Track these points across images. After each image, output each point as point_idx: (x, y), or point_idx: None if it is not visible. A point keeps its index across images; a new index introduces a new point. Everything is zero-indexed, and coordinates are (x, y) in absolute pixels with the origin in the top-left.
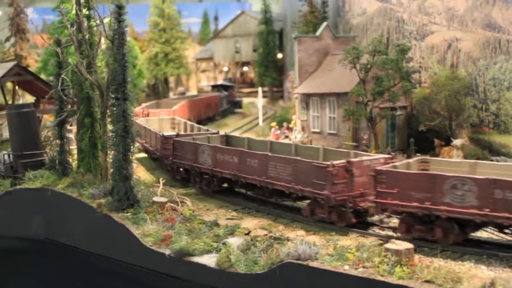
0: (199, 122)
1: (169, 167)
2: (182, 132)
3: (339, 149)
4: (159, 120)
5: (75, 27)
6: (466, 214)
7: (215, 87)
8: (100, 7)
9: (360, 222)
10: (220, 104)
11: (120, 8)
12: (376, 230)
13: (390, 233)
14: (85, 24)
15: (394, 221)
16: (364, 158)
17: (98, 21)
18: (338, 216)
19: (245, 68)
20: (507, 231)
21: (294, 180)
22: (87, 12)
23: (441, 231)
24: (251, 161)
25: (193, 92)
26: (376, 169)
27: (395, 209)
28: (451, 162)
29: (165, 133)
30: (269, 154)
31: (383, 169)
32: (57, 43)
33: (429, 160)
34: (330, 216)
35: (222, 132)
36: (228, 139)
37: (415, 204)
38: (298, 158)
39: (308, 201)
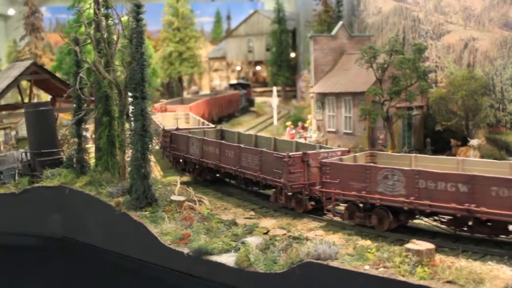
0: (220, 119)
1: (170, 158)
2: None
3: (310, 143)
4: (174, 115)
5: (93, 25)
6: (396, 202)
7: (233, 85)
8: (117, 6)
9: (317, 209)
10: (240, 102)
11: (138, 7)
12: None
13: (338, 219)
14: (104, 23)
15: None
16: (321, 150)
17: (116, 20)
18: (296, 202)
19: (258, 68)
20: (436, 217)
21: (260, 169)
22: (105, 11)
23: (376, 218)
24: (228, 152)
25: (205, 91)
26: (321, 161)
27: (338, 197)
28: (394, 155)
29: (166, 127)
30: (242, 145)
31: (327, 161)
32: (75, 42)
33: (376, 154)
34: (289, 203)
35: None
36: (222, 133)
37: (353, 193)
38: (264, 149)
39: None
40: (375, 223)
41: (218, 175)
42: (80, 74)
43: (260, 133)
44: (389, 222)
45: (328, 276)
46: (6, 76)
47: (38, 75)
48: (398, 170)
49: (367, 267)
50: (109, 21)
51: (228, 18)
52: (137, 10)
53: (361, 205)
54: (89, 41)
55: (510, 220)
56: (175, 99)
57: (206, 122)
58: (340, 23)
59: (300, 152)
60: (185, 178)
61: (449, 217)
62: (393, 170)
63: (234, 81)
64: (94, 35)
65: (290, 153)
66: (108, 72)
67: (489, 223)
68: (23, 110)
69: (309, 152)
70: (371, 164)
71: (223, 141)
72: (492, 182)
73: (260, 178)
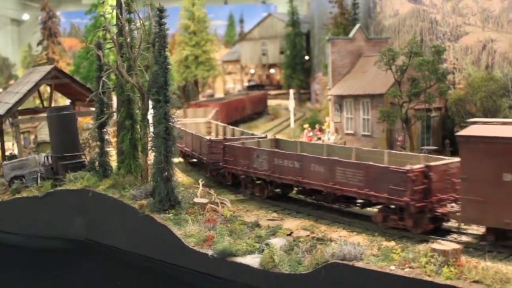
0: (251, 116)
1: None
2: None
3: (254, 134)
4: (204, 110)
5: (116, 30)
6: (262, 175)
7: (251, 87)
8: (139, 10)
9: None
10: (266, 101)
11: (161, 11)
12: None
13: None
14: (127, 27)
15: None
16: (241, 136)
17: (138, 24)
18: (221, 176)
19: (272, 70)
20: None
21: (200, 151)
22: (128, 16)
23: (259, 188)
24: (190, 139)
25: (220, 94)
26: (223, 144)
27: (233, 172)
28: (290, 141)
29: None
30: (193, 133)
31: (227, 143)
32: (98, 47)
33: (279, 140)
34: (216, 177)
35: None
36: (210, 124)
37: (240, 168)
38: (202, 136)
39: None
40: (258, 191)
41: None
42: (103, 78)
43: (278, 136)
44: (267, 191)
45: (354, 277)
46: (27, 81)
47: (58, 79)
48: (263, 150)
49: (392, 267)
50: (131, 26)
51: (241, 21)
52: (160, 14)
53: (255, 178)
54: (108, 45)
55: (320, 188)
56: (219, 97)
57: (210, 118)
58: (358, 25)
59: (222, 138)
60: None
61: (298, 188)
62: (262, 150)
63: (251, 83)
64: (117, 39)
65: (212, 138)
66: (130, 76)
67: (323, 192)
68: (43, 114)
69: (228, 138)
70: (251, 146)
71: (188, 130)
72: (311, 160)
73: (199, 157)
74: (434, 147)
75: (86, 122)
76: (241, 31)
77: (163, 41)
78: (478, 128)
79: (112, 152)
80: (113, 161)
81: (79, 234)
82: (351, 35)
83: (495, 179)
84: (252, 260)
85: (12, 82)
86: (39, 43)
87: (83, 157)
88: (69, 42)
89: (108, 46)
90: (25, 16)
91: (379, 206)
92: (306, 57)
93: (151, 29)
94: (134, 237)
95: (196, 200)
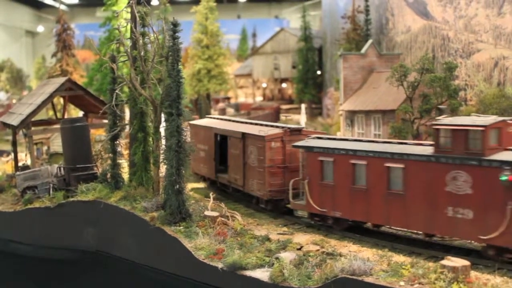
0: None
1: None
2: None
3: None
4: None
5: (130, 43)
6: None
7: (223, 99)
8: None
9: None
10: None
11: (175, 25)
12: None
13: None
14: (141, 41)
15: None
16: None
17: (152, 38)
18: None
19: (284, 85)
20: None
21: None
22: (142, 29)
23: None
24: None
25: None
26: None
27: None
28: None
29: None
30: None
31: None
32: (112, 60)
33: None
34: None
35: None
36: None
37: None
38: None
39: None
40: None
41: None
42: (116, 91)
43: None
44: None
45: None
46: (41, 93)
47: (72, 91)
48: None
49: (402, 283)
50: (145, 39)
51: (254, 35)
52: (174, 28)
53: None
54: (122, 58)
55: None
56: (270, 103)
57: None
58: (370, 41)
59: None
60: None
61: None
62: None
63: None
64: (131, 52)
65: None
66: (144, 89)
67: None
68: (56, 126)
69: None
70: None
71: None
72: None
73: None
74: None
75: (98, 134)
76: (254, 45)
77: (177, 55)
78: (199, 121)
79: (124, 164)
80: (125, 173)
81: (90, 246)
82: (363, 50)
83: (197, 146)
84: (262, 274)
85: (25, 93)
86: (53, 55)
87: (95, 168)
88: (83, 55)
89: (122, 59)
90: (40, 28)
91: None
92: (318, 72)
93: (165, 43)
94: (144, 249)
95: (207, 213)
